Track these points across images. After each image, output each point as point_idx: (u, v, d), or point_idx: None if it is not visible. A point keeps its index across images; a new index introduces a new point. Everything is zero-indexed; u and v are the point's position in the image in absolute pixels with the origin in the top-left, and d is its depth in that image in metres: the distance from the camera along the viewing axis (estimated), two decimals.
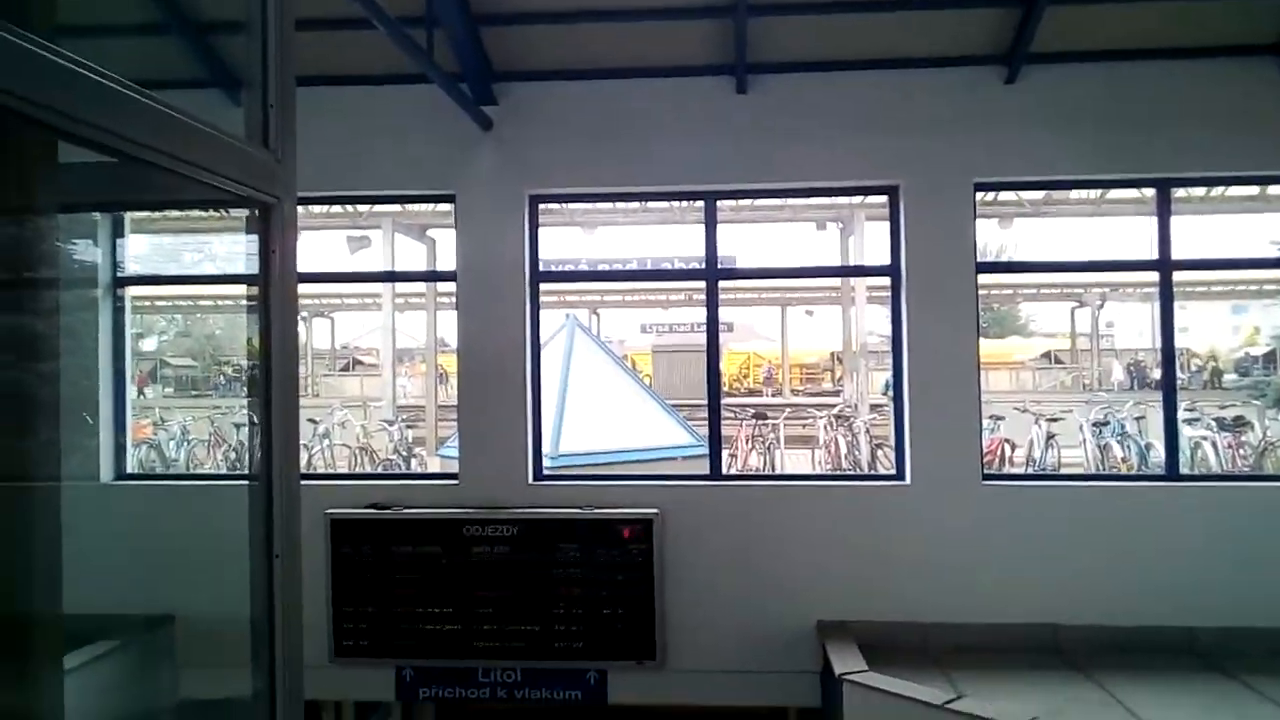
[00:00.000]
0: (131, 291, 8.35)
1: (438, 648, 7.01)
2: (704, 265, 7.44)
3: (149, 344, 28.17)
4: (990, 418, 12.05)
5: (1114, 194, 13.13)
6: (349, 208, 15.48)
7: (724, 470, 7.63)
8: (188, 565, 6.25)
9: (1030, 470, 11.35)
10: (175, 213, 13.78)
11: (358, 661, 7.08)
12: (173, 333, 31.33)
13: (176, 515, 7.19)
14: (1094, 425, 11.86)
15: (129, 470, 8.04)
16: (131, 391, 8.32)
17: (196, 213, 13.15)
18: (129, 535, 7.27)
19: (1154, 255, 7.11)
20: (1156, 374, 23.44)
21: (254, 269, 2.65)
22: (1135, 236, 8.87)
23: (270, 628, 2.20)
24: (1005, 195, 12.88)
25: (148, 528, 7.30)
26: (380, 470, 12.66)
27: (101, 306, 7.78)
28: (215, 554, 2.76)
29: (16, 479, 2.17)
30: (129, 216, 8.24)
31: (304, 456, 11.69)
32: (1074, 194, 13.84)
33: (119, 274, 7.97)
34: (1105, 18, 6.82)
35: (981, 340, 7.24)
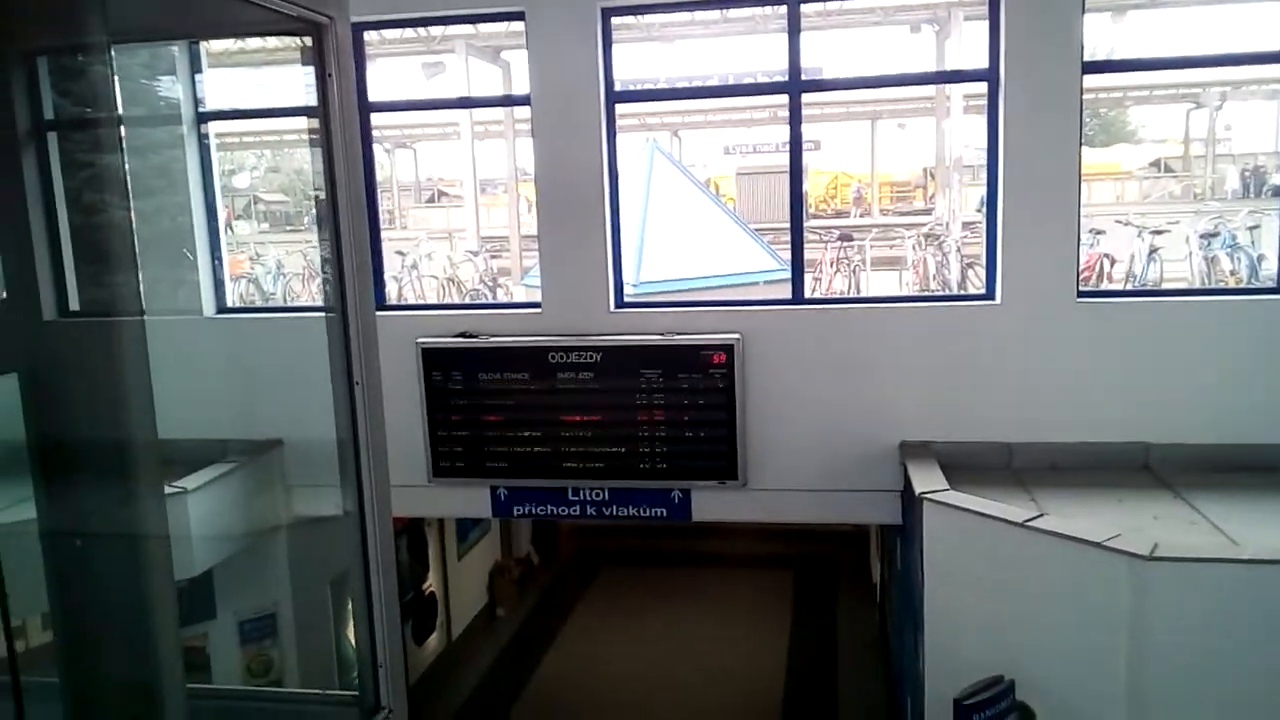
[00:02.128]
0: (215, 128, 8.40)
1: (528, 469, 7.31)
2: (787, 78, 7.07)
3: (241, 180, 28.68)
4: (1090, 232, 11.50)
5: None
6: (421, 32, 15.09)
7: (807, 294, 7.51)
8: (290, 393, 6.56)
9: (1130, 286, 10.89)
10: (254, 44, 13.67)
11: (454, 481, 7.45)
12: (263, 168, 31.79)
13: (276, 346, 7.49)
14: (1202, 237, 11.19)
15: (229, 304, 8.35)
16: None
17: (274, 43, 13.02)
18: (235, 365, 7.65)
19: None
20: (1277, 180, 21.87)
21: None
22: (1266, 26, 8.04)
23: (355, 450, 2.28)
24: None
25: (252, 359, 7.66)
26: (467, 300, 12.91)
27: (188, 143, 7.88)
28: (313, 383, 2.85)
29: (105, 314, 2.24)
30: (204, 51, 8.20)
31: (394, 287, 11.97)
32: None
33: (201, 110, 8.00)
34: None
35: (1086, 149, 6.79)
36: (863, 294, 12.30)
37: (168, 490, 6.29)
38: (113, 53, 2.02)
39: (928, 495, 5.68)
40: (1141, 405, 6.59)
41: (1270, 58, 7.27)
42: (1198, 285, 10.59)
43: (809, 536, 14.62)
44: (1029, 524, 5.10)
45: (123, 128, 2.26)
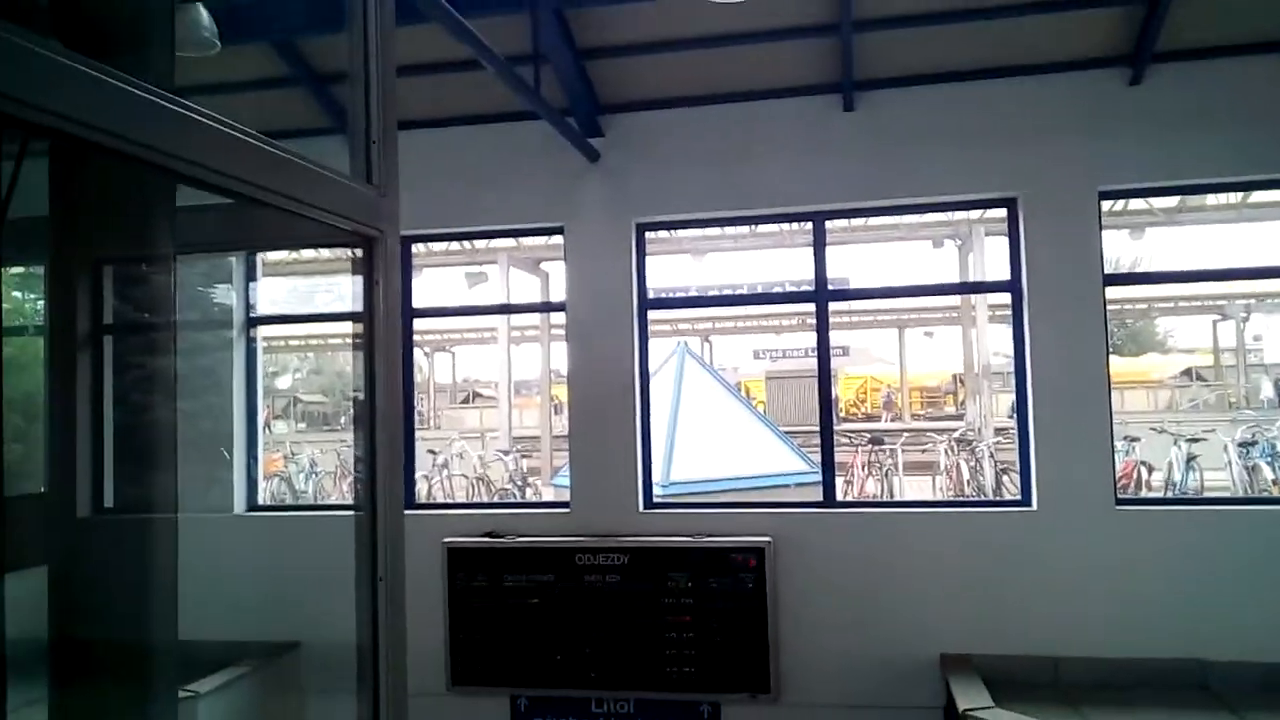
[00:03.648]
0: (263, 331, 8.76)
1: (551, 677, 7.03)
2: (813, 287, 7.33)
3: (284, 382, 29.57)
4: (1125, 439, 11.43)
5: (1257, 196, 12.36)
6: (466, 244, 15.92)
7: (838, 497, 7.44)
8: (313, 593, 6.46)
9: (1169, 494, 10.67)
10: (308, 255, 14.49)
11: (474, 690, 7.17)
12: (305, 370, 32.81)
13: (302, 545, 7.45)
14: (1240, 445, 11.08)
15: (260, 502, 8.40)
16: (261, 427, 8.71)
17: (325, 254, 13.79)
18: (260, 564, 7.59)
19: None
20: None
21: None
22: None
23: (374, 651, 2.23)
24: (1135, 204, 12.26)
25: (276, 557, 7.61)
26: (496, 499, 12.89)
27: (236, 346, 8.19)
28: (337, 582, 2.83)
29: (139, 511, 2.28)
30: (261, 261, 8.68)
31: (423, 486, 12.01)
32: (1210, 199, 13.09)
33: (251, 315, 8.36)
34: (1235, 9, 6.42)
35: (1117, 358, 6.88)
36: (895, 498, 12.14)
37: (180, 695, 6.10)
38: (177, 263, 2.17)
39: (971, 713, 5.37)
40: (1193, 619, 6.31)
41: None
42: (1240, 493, 10.36)
43: None
44: None
45: (177, 333, 2.38)
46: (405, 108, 2.45)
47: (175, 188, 2.06)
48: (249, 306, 8.35)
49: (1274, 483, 10.47)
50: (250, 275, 8.44)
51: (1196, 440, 11.22)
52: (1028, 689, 6.13)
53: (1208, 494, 10.41)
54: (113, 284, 2.26)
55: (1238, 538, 6.38)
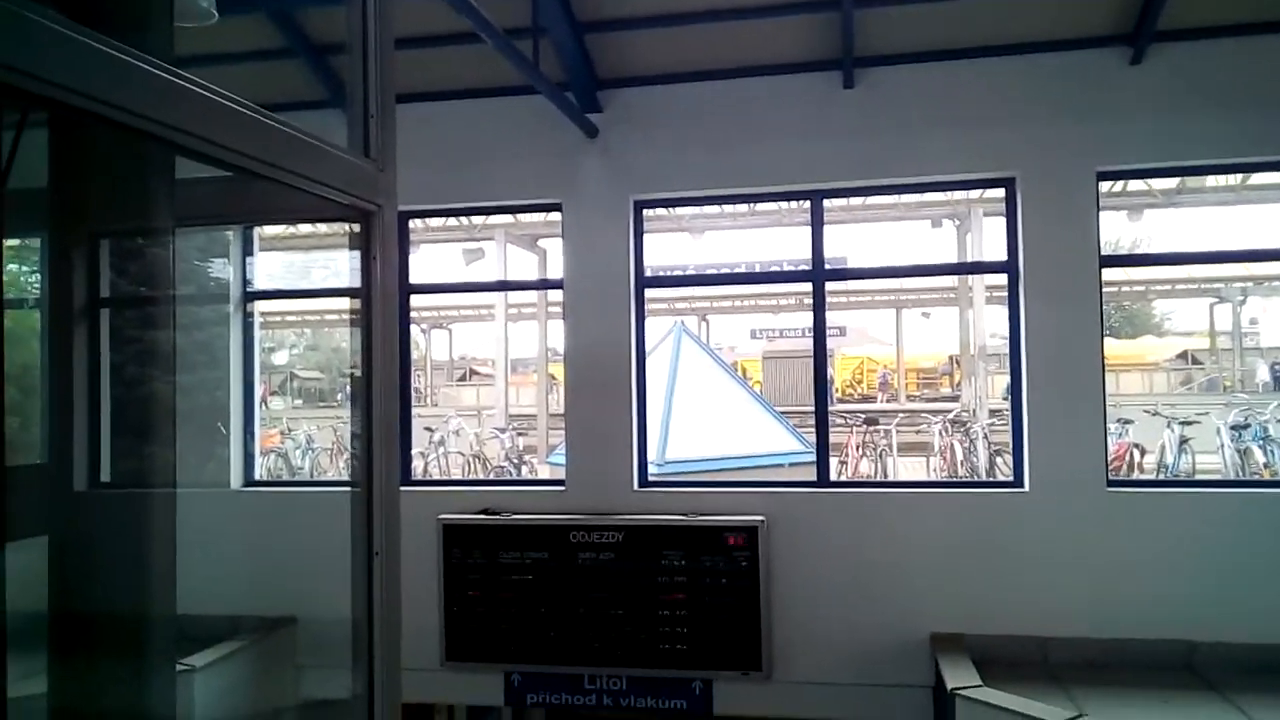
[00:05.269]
0: (260, 306, 8.74)
1: (545, 653, 7.09)
2: (811, 266, 7.32)
3: (280, 357, 29.48)
4: (1118, 421, 11.48)
5: (1256, 178, 12.32)
6: (464, 220, 15.86)
7: (833, 477, 7.47)
8: (309, 568, 6.49)
9: (1162, 476, 10.73)
10: (305, 229, 14.43)
11: (468, 665, 7.22)
12: (302, 346, 32.69)
13: (299, 520, 7.49)
14: (1233, 428, 11.13)
15: (257, 477, 8.42)
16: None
17: (323, 229, 13.73)
18: (256, 540, 7.62)
19: None
20: None
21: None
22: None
23: (370, 625, 2.24)
24: (1134, 185, 12.23)
25: (273, 532, 7.63)
26: (492, 476, 12.92)
27: (233, 321, 8.18)
28: (332, 558, 2.84)
29: (137, 486, 2.28)
30: (258, 235, 8.65)
31: (420, 463, 12.03)
32: (1210, 181, 13.05)
33: (248, 289, 8.34)
34: None
35: (1112, 340, 6.89)
36: (889, 479, 12.19)
37: (177, 669, 6.13)
38: (175, 236, 2.17)
39: (960, 691, 5.42)
40: (1180, 601, 6.36)
41: None
42: (1232, 476, 10.42)
43: None
44: None
45: (176, 307, 2.37)
46: (401, 80, 2.44)
47: (174, 160, 2.06)
48: (246, 281, 8.33)
49: (1265, 466, 10.52)
50: (247, 249, 8.41)
51: (1190, 423, 11.27)
52: (1017, 668, 6.19)
53: (1199, 477, 10.46)
54: (112, 257, 2.25)
55: (1228, 520, 6.42)
